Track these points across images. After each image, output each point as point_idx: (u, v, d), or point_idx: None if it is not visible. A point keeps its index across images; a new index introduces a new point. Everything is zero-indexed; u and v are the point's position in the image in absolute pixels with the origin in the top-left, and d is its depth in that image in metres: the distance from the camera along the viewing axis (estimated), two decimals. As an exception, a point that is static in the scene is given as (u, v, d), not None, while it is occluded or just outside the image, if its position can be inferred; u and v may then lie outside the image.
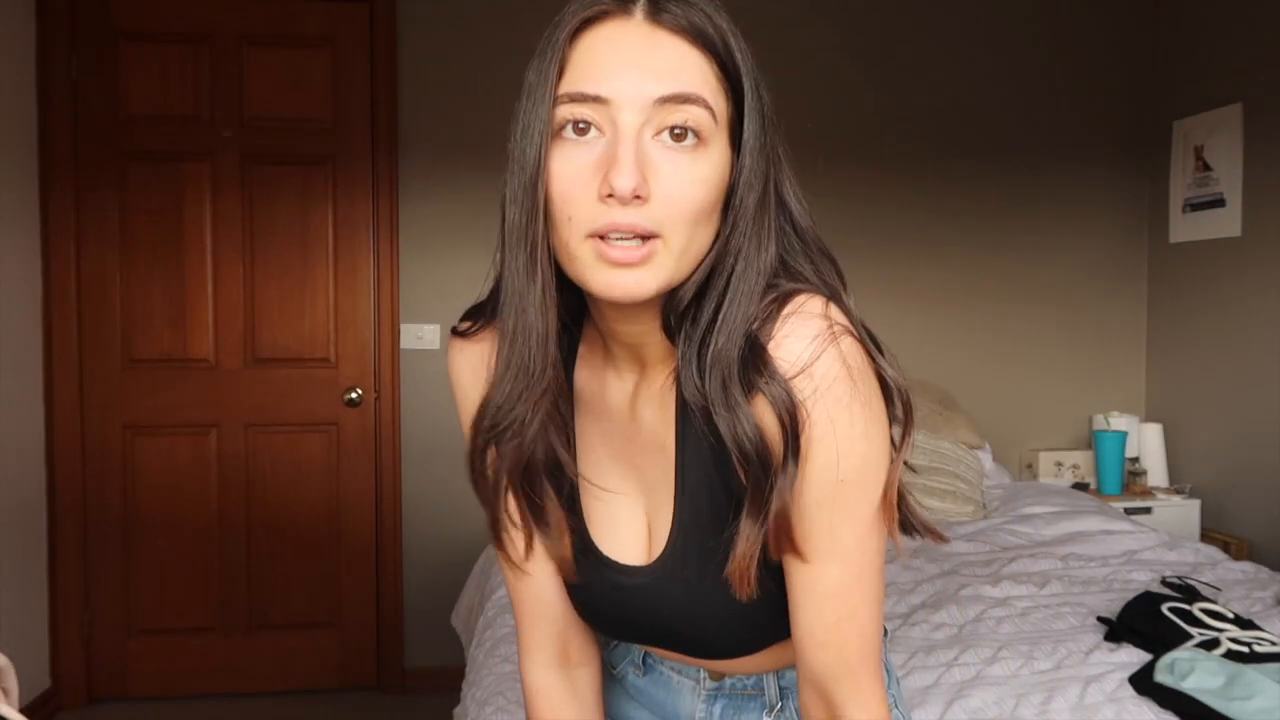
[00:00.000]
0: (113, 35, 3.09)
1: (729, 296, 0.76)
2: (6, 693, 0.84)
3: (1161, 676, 1.56)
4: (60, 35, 3.03)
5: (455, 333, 0.91)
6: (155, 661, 3.18)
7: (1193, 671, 1.53)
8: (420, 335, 3.25)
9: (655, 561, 0.88)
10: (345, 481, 3.25)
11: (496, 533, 0.89)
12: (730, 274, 0.76)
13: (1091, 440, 3.42)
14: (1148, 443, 3.42)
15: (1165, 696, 1.53)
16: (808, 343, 0.74)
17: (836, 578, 0.79)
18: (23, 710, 0.79)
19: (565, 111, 0.73)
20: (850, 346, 0.75)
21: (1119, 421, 3.40)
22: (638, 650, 1.03)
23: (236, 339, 3.18)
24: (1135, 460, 3.37)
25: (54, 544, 3.08)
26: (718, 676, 0.98)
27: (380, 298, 3.23)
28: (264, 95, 3.16)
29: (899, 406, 0.79)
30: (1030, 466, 3.53)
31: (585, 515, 0.90)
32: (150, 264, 3.13)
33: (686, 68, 0.74)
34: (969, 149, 3.49)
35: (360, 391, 3.22)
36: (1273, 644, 1.70)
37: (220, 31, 3.14)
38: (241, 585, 3.20)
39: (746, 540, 0.77)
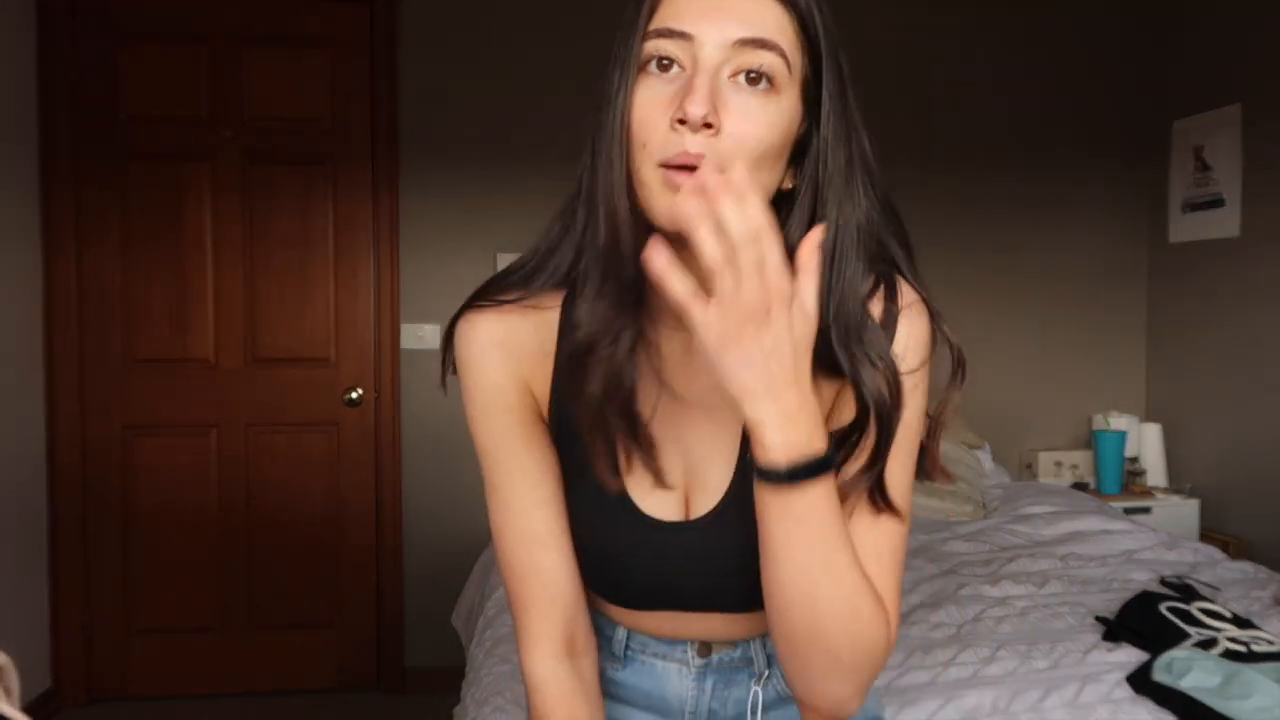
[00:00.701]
0: (113, 35, 3.09)
1: (838, 257, 0.82)
2: (8, 692, 0.84)
3: (1159, 675, 1.56)
4: (60, 35, 3.03)
5: (479, 305, 0.90)
6: (155, 661, 3.19)
7: (1190, 670, 1.53)
8: (420, 335, 3.25)
9: (714, 509, 0.90)
10: (345, 481, 3.25)
11: (596, 457, 0.88)
12: (836, 235, 0.82)
13: (1091, 440, 3.42)
14: (1147, 443, 3.43)
15: (1163, 695, 1.53)
16: (923, 338, 0.86)
17: (899, 522, 0.87)
18: (23, 710, 0.79)
19: (652, 47, 0.79)
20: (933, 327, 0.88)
21: (1119, 421, 3.40)
22: (618, 640, 1.02)
23: (236, 339, 3.18)
24: (1135, 460, 3.38)
25: (54, 544, 3.09)
26: (704, 652, 0.99)
27: (380, 298, 3.23)
28: (264, 95, 3.16)
29: (958, 360, 0.89)
30: (1030, 466, 3.53)
31: (623, 478, 0.90)
32: (150, 264, 3.14)
33: (768, 18, 0.79)
34: (969, 149, 3.50)
35: (360, 391, 3.22)
36: (1270, 643, 1.70)
37: (220, 31, 3.14)
38: (242, 585, 3.20)
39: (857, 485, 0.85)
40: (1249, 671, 1.51)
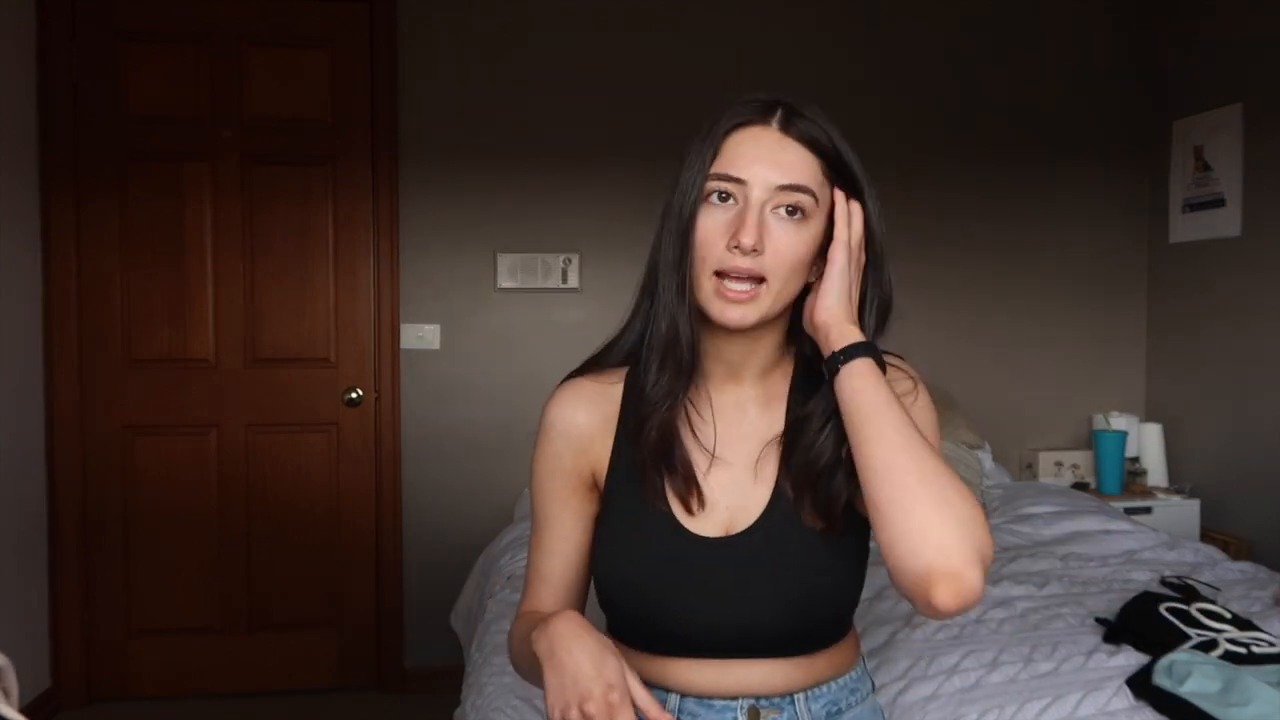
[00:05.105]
0: (113, 35, 3.09)
1: (874, 313, 1.09)
2: (7, 693, 0.84)
3: (1160, 679, 1.55)
4: (60, 35, 3.03)
5: (568, 380, 1.15)
6: (155, 661, 3.18)
7: (1190, 675, 1.52)
8: (420, 335, 3.25)
9: (751, 526, 1.07)
10: (345, 481, 3.25)
11: (651, 489, 1.09)
12: (873, 301, 1.09)
13: (1091, 440, 3.42)
14: (1148, 442, 3.42)
15: (1163, 700, 1.53)
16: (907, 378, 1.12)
17: None
18: (23, 710, 0.80)
19: (714, 185, 1.02)
20: None
21: (1119, 421, 3.40)
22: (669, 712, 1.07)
23: (236, 339, 3.18)
24: (1135, 460, 3.38)
25: (54, 544, 3.09)
26: (754, 716, 1.07)
27: (380, 298, 3.23)
28: (264, 95, 3.16)
29: None
30: (1030, 466, 3.52)
31: (678, 505, 1.08)
32: (150, 264, 3.14)
33: (802, 166, 1.03)
34: (969, 149, 3.49)
35: (360, 391, 3.22)
36: (1270, 644, 1.69)
37: (220, 31, 3.14)
38: (242, 585, 3.20)
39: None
40: (1248, 677, 1.50)
